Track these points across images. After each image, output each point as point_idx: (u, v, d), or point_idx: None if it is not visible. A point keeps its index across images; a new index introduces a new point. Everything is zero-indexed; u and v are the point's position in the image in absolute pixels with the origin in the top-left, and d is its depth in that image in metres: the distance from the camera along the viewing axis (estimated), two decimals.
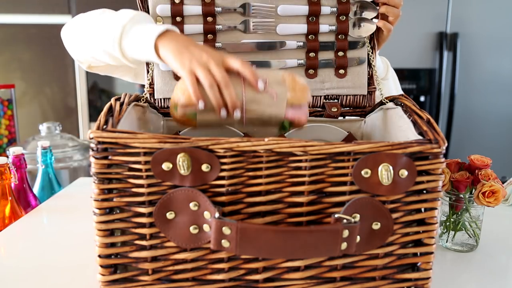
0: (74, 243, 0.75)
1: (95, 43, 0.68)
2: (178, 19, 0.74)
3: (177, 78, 0.75)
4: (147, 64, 0.75)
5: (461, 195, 0.72)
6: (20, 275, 0.64)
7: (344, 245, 0.47)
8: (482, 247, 0.75)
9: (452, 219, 0.74)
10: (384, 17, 0.78)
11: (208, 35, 0.75)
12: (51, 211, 0.91)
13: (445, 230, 0.74)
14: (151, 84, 0.76)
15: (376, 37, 0.78)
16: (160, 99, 0.76)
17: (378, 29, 0.78)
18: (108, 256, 0.51)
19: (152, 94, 0.76)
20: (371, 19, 0.75)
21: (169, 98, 0.75)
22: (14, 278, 0.63)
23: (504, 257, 0.72)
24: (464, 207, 0.72)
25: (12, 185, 0.85)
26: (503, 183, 0.72)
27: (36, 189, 0.99)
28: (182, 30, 0.74)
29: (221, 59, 0.60)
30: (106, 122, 0.51)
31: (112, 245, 0.51)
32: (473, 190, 0.71)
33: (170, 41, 0.60)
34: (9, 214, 0.84)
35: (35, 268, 0.66)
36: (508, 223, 0.87)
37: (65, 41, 0.77)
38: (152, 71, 0.75)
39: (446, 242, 0.74)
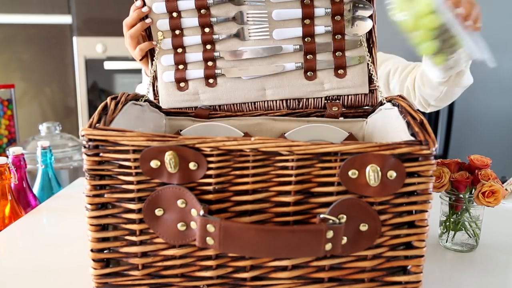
0: (73, 243, 0.75)
1: None
2: (177, 32, 0.77)
3: (180, 88, 0.77)
4: (147, 75, 0.78)
5: (461, 195, 0.71)
6: (20, 275, 0.64)
7: (328, 246, 0.47)
8: (482, 247, 0.73)
9: (452, 219, 0.72)
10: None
11: (207, 45, 0.77)
12: (51, 211, 0.91)
13: (445, 230, 0.73)
14: (156, 96, 0.78)
15: None
16: None
17: None
18: (100, 251, 0.52)
19: None
20: (368, 17, 0.74)
21: (174, 108, 0.78)
22: (14, 278, 0.64)
23: (504, 257, 0.71)
24: (464, 207, 0.71)
25: (12, 185, 0.84)
26: (503, 183, 0.70)
27: (36, 189, 0.98)
28: (182, 42, 0.77)
29: None
30: (99, 120, 0.52)
31: (104, 239, 0.52)
32: (473, 190, 0.70)
33: None
34: (9, 214, 0.83)
35: (34, 268, 0.66)
36: (508, 223, 0.85)
37: None
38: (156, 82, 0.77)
39: (446, 242, 0.73)
